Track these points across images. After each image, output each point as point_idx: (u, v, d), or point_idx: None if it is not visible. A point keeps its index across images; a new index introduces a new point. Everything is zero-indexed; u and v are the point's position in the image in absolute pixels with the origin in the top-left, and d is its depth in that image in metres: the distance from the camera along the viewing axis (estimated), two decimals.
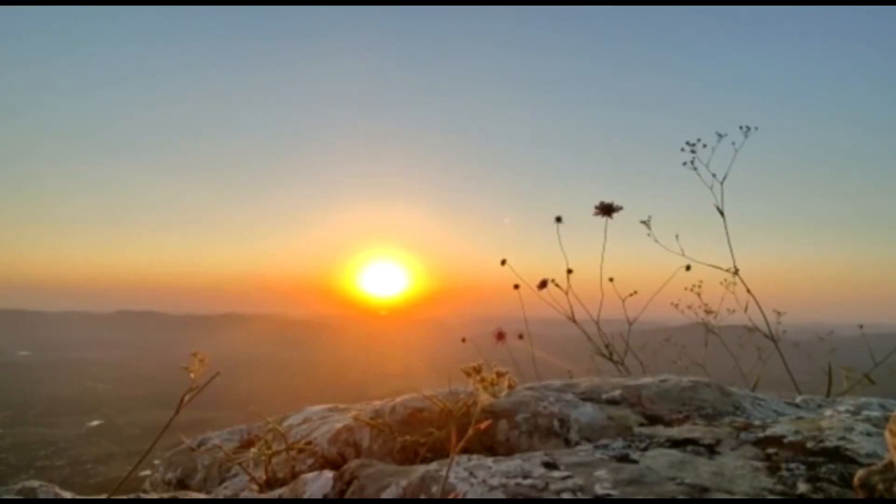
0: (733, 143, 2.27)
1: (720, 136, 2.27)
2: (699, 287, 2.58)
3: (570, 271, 2.37)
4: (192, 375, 1.06)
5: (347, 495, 1.15)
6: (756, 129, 2.26)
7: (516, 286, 2.40)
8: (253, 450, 1.67)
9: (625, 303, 2.45)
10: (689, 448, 1.18)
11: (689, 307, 2.70)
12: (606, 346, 2.51)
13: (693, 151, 2.31)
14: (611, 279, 2.41)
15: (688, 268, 2.33)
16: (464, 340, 2.45)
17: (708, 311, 2.67)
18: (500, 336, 2.31)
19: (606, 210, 2.24)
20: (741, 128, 2.28)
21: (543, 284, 2.35)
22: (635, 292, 2.43)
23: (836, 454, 1.08)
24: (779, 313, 2.41)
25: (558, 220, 2.35)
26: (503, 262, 2.38)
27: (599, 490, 0.96)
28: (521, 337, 2.49)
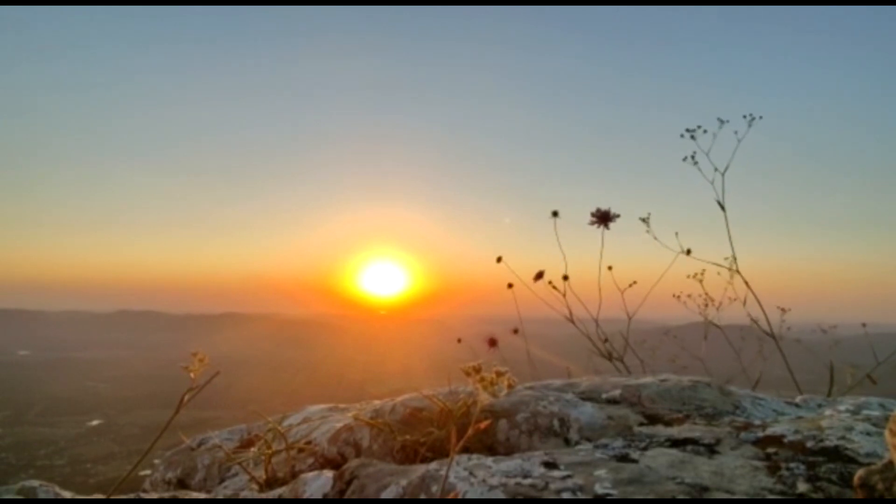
0: (736, 133, 2.22)
1: (722, 122, 2.21)
2: (701, 275, 2.54)
3: (565, 278, 2.34)
4: (192, 375, 1.06)
5: (347, 495, 1.15)
6: (761, 118, 2.20)
7: (510, 285, 2.38)
8: (253, 449, 1.67)
9: (623, 296, 2.42)
10: (689, 447, 1.18)
11: (689, 296, 2.68)
12: (605, 342, 2.49)
13: (693, 138, 2.26)
14: (609, 267, 2.36)
15: (688, 252, 2.28)
16: (459, 341, 2.42)
17: (708, 303, 2.64)
18: (493, 343, 2.26)
19: (603, 218, 2.15)
20: (745, 116, 2.22)
21: (539, 276, 2.30)
22: (634, 282, 2.38)
23: (835, 454, 1.08)
24: (783, 310, 2.39)
25: (555, 214, 2.30)
26: (499, 260, 2.35)
27: (599, 490, 0.96)
28: (515, 332, 2.45)
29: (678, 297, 2.70)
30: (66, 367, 74.71)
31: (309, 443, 1.71)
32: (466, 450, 1.29)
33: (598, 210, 2.15)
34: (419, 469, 1.13)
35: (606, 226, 2.16)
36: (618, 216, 2.15)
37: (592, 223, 2.16)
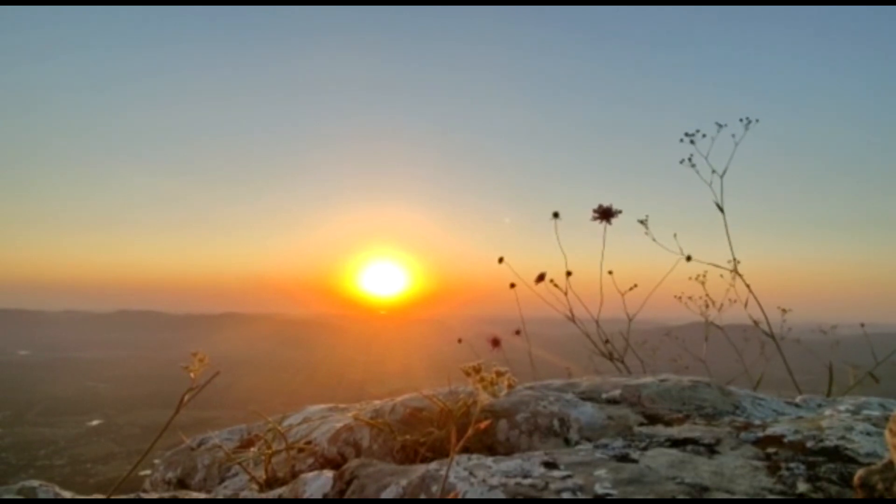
0: (733, 136, 2.25)
1: (720, 126, 2.25)
2: (704, 277, 2.56)
3: (569, 273, 2.36)
4: (192, 375, 1.06)
5: (347, 495, 1.15)
6: (757, 121, 2.23)
7: (512, 285, 2.39)
8: (253, 449, 1.67)
9: (624, 298, 2.43)
10: (689, 447, 1.18)
11: (690, 298, 2.68)
12: (605, 343, 2.50)
13: (692, 142, 2.28)
14: (610, 272, 2.39)
15: (688, 258, 2.31)
16: (460, 341, 2.43)
17: (709, 304, 2.64)
18: (496, 342, 2.28)
19: (605, 214, 2.19)
20: (742, 120, 2.25)
21: (541, 278, 2.32)
22: (635, 286, 2.41)
23: (835, 454, 1.08)
24: (783, 310, 2.40)
25: (555, 215, 2.32)
26: (500, 260, 2.36)
27: (599, 489, 0.96)
28: (517, 333, 2.47)
29: (680, 298, 2.71)
30: (66, 367, 74.67)
31: (309, 443, 1.71)
32: (466, 450, 1.29)
33: (600, 206, 2.19)
34: (419, 469, 1.13)
35: (608, 221, 2.20)
36: (619, 212, 2.19)
37: (595, 219, 2.20)
